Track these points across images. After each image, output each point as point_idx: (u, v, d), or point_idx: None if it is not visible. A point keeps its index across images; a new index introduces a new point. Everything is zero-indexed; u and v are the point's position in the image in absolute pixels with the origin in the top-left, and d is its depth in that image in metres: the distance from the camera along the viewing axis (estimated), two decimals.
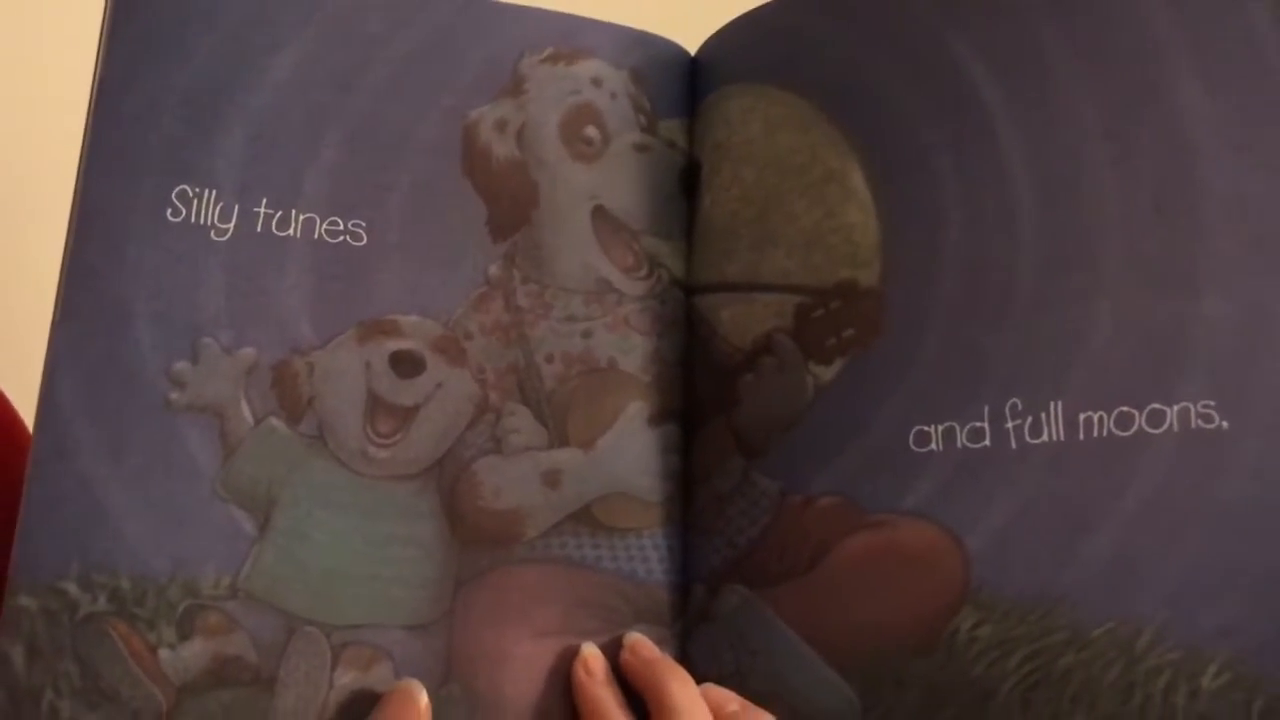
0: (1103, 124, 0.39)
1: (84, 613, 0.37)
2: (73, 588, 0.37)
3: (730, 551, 0.42)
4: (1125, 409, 0.38)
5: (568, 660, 0.41)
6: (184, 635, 0.38)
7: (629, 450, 0.43)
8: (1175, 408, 0.38)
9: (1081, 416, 0.38)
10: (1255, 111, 0.39)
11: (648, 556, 0.42)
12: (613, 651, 0.41)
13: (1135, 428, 0.38)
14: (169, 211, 0.40)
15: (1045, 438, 0.38)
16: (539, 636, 0.41)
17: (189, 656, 0.38)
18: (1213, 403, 0.38)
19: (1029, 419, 0.39)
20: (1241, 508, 0.37)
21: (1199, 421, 0.38)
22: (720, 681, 0.40)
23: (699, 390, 0.44)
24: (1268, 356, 0.38)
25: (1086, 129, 0.39)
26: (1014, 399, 0.39)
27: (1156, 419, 0.38)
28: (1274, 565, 0.37)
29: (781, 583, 0.41)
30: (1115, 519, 0.38)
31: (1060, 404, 0.38)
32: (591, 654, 0.41)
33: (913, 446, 0.39)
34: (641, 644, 0.41)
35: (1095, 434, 0.38)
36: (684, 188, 0.45)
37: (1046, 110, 0.40)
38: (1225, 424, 0.37)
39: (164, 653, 0.37)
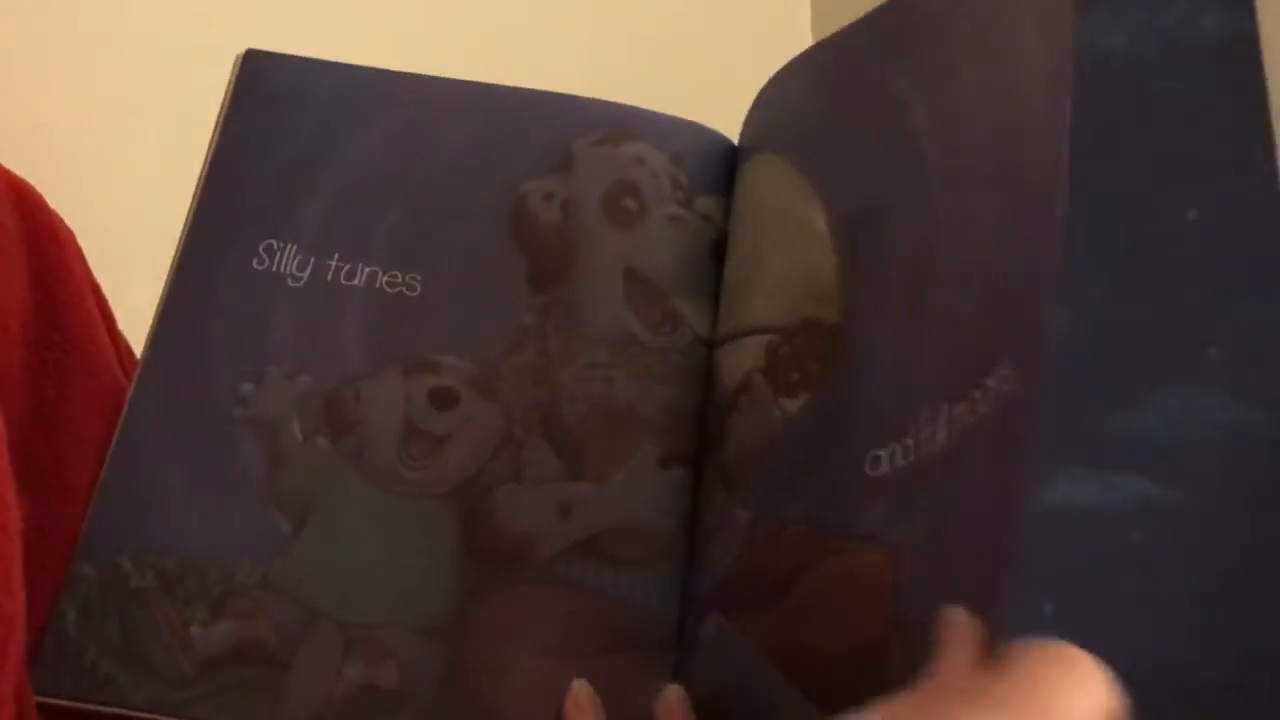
0: None
1: (133, 586, 0.42)
2: (126, 563, 0.43)
3: (711, 583, 0.43)
4: None
5: (563, 682, 0.42)
6: (216, 616, 0.42)
7: (639, 488, 0.45)
8: None
9: None
10: None
11: (648, 588, 0.44)
12: (607, 675, 0.42)
13: None
14: (255, 260, 0.47)
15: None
16: (539, 654, 0.43)
17: (217, 634, 0.42)
18: None
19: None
20: None
21: None
22: (708, 706, 0.41)
23: (708, 434, 0.46)
24: None
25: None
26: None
27: None
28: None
29: (754, 611, 0.41)
30: None
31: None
32: (580, 689, 0.42)
33: (867, 471, 0.40)
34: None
35: None
36: (715, 257, 0.49)
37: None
38: None
39: (195, 629, 0.42)
